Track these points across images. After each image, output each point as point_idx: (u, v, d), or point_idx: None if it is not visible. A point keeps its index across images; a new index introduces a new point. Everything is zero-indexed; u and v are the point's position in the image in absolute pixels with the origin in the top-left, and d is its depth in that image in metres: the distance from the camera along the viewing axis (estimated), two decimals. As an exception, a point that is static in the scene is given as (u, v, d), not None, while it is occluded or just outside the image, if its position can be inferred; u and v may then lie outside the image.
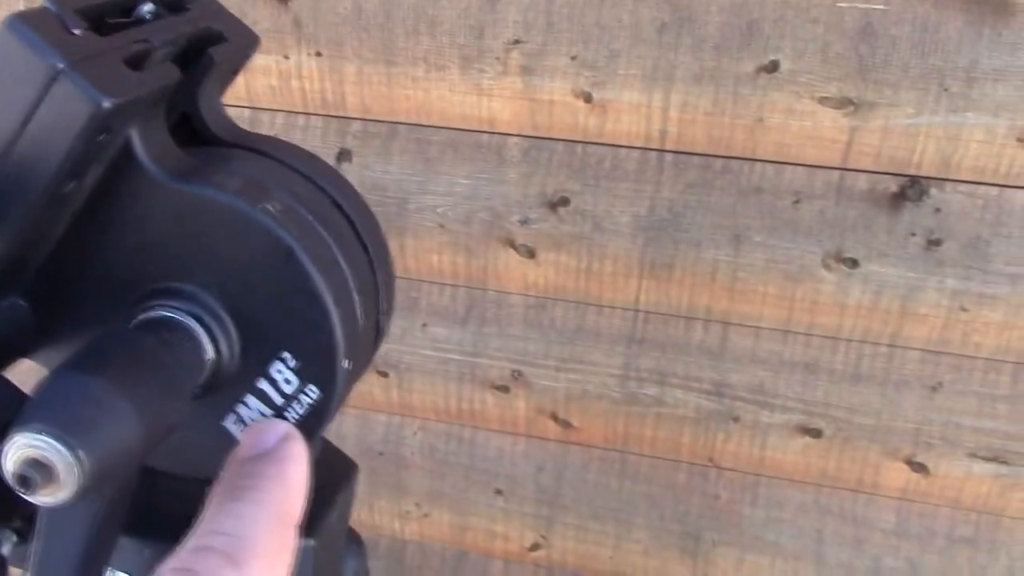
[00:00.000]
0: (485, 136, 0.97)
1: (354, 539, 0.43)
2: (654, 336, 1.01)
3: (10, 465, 0.25)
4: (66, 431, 0.25)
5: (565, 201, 0.97)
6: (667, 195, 0.94)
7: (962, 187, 0.88)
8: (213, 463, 0.33)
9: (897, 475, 1.01)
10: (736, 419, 1.02)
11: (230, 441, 0.33)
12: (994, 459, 0.97)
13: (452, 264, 1.03)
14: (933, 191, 0.89)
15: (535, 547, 1.17)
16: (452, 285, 1.04)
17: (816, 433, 1.01)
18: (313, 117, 1.00)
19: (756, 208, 0.93)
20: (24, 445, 0.24)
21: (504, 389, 1.08)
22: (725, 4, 0.86)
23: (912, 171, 0.88)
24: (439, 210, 1.00)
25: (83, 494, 0.25)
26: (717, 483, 1.07)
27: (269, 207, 0.30)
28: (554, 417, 1.08)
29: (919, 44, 0.84)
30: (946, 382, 0.96)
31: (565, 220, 0.98)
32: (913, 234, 0.91)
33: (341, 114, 0.99)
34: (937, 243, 0.90)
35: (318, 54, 0.96)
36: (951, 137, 0.86)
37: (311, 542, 0.35)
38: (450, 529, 1.19)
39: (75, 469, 0.25)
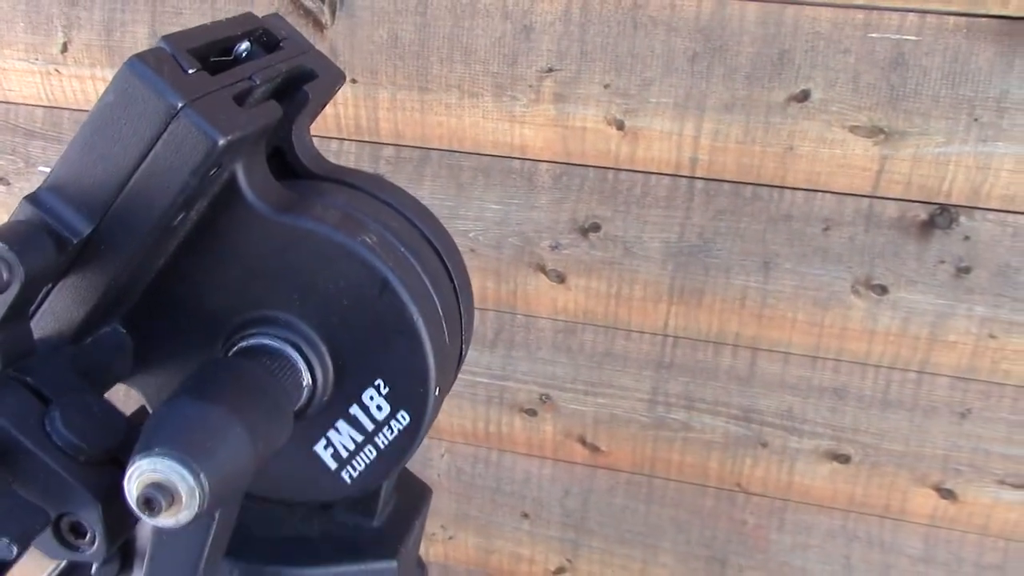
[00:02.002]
0: (517, 162, 0.98)
1: (420, 563, 0.44)
2: (683, 361, 1.02)
3: (134, 489, 0.26)
4: (189, 455, 0.25)
5: (596, 227, 0.98)
6: (697, 221, 0.95)
7: (991, 215, 0.89)
8: (301, 487, 0.34)
9: (925, 501, 1.01)
10: (764, 444, 1.03)
11: (320, 465, 0.34)
12: (1023, 486, 0.98)
13: (481, 288, 1.04)
14: (963, 219, 0.90)
15: (560, 570, 1.17)
16: (481, 309, 1.05)
17: (844, 459, 1.01)
18: (347, 142, 1.01)
19: (786, 235, 0.94)
20: (148, 469, 0.25)
21: (532, 413, 1.09)
22: (757, 35, 0.87)
23: (942, 199, 0.89)
24: (470, 235, 1.01)
25: (201, 516, 0.26)
26: (744, 508, 1.07)
27: (367, 239, 0.31)
28: (582, 441, 1.09)
29: (950, 74, 0.85)
30: (975, 409, 0.96)
31: (596, 245, 0.99)
32: (942, 261, 0.91)
33: (374, 139, 1.01)
34: (966, 271, 0.91)
35: (353, 81, 0.98)
36: (981, 166, 0.87)
37: (394, 564, 0.36)
38: (475, 552, 1.19)
39: (196, 492, 0.26)
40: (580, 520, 1.13)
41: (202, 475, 0.25)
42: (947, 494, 1.00)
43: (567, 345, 1.04)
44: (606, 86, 0.92)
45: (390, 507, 0.39)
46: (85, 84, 1.07)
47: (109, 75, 1.05)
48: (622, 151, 0.95)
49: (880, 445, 1.00)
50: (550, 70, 0.93)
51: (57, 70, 1.07)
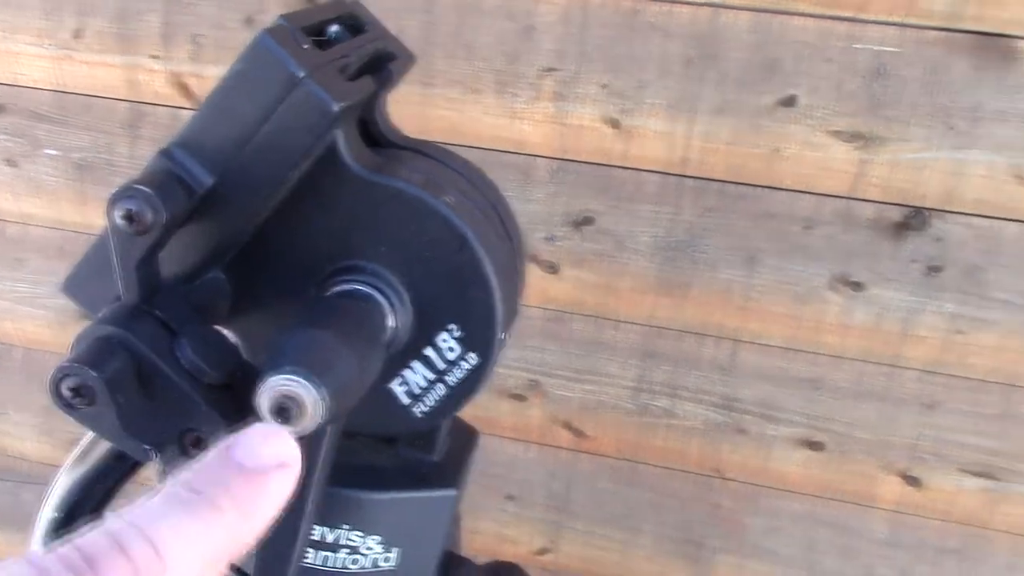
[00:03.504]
0: (515, 157, 1.03)
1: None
2: (667, 351, 1.07)
3: (266, 401, 0.30)
4: (313, 372, 0.30)
5: (589, 221, 1.03)
6: (686, 218, 1.01)
7: (962, 219, 0.95)
8: (376, 420, 0.38)
9: (891, 488, 1.07)
10: (743, 431, 1.08)
11: (394, 401, 0.38)
12: (983, 474, 1.04)
13: (477, 277, 1.08)
14: (935, 221, 0.95)
15: (543, 551, 1.22)
16: (476, 297, 1.09)
17: (818, 446, 1.07)
18: (351, 133, 1.05)
19: (769, 232, 0.99)
20: (279, 384, 0.30)
21: (520, 398, 1.13)
22: (748, 42, 0.93)
23: (917, 202, 0.95)
24: (468, 225, 1.06)
25: (321, 427, 0.30)
26: (721, 493, 1.13)
27: (447, 200, 0.36)
28: (568, 426, 1.13)
29: (928, 85, 0.91)
30: (941, 401, 1.02)
31: (588, 239, 1.03)
32: (915, 261, 0.97)
33: (378, 131, 1.05)
34: (937, 270, 0.97)
35: (360, 74, 1.02)
36: (955, 172, 0.93)
37: (454, 492, 0.41)
38: (461, 532, 1.23)
39: (320, 404, 0.30)
40: (564, 503, 1.18)
41: (324, 389, 0.30)
42: (912, 481, 1.06)
43: (557, 333, 1.09)
44: (604, 86, 0.97)
45: (446, 445, 0.43)
46: (95, 70, 1.10)
47: (120, 62, 1.09)
48: (616, 149, 1.00)
49: (851, 434, 1.06)
50: (551, 69, 0.98)
51: (68, 55, 1.10)
